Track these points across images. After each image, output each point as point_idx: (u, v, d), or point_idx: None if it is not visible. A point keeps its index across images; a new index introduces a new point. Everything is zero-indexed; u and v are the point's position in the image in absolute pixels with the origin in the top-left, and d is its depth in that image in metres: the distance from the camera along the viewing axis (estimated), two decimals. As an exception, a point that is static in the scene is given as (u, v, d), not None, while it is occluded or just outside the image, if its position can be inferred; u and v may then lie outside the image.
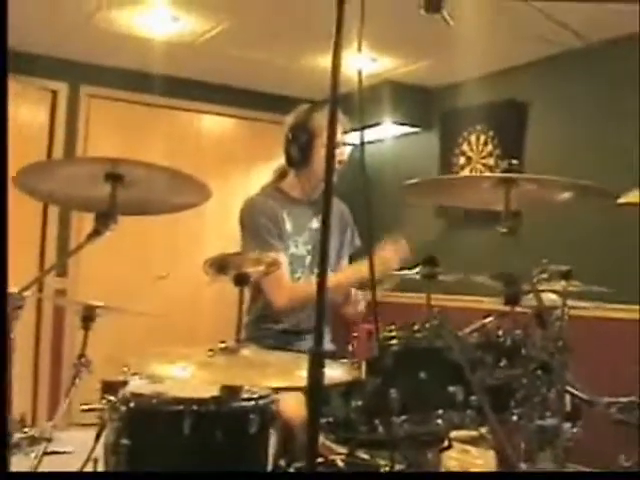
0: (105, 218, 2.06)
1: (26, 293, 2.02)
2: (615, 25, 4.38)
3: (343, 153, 3.18)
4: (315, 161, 3.15)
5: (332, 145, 1.60)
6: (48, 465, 2.73)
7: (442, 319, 2.21)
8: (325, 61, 5.24)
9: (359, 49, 1.70)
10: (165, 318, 5.47)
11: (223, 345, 2.11)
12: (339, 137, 3.12)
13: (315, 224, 3.24)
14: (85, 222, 4.61)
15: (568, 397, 2.50)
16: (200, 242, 5.82)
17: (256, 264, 2.14)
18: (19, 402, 2.99)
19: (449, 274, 2.33)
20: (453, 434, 3.22)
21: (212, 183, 6.50)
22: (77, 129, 5.74)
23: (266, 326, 3.15)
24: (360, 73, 1.69)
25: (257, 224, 3.11)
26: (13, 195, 2.14)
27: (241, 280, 2.10)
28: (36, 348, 5.56)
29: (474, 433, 2.95)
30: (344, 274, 3.19)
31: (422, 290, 2.36)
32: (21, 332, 5.28)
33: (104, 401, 2.05)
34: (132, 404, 2.00)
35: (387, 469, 2.32)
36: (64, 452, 2.84)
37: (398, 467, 2.49)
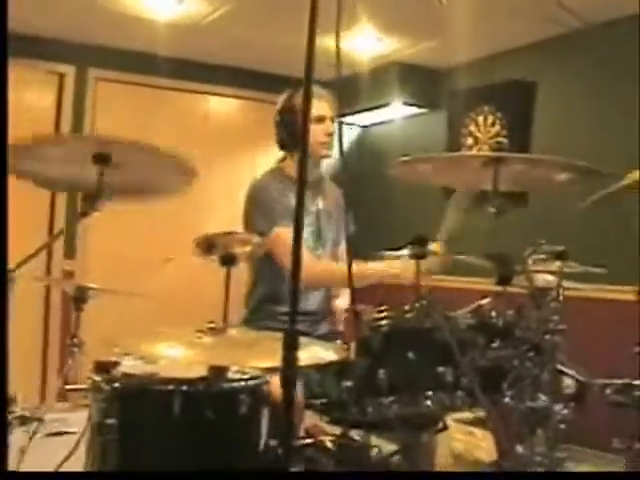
0: (92, 199, 2.05)
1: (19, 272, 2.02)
2: (615, 6, 4.35)
3: (329, 127, 3.17)
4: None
5: (306, 121, 1.55)
6: (55, 445, 2.77)
7: (431, 299, 2.19)
8: (332, 41, 5.21)
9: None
10: (168, 300, 5.51)
11: (211, 325, 2.12)
12: (324, 111, 3.13)
13: (315, 206, 3.24)
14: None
15: (570, 379, 2.49)
16: (208, 224, 5.82)
17: (243, 244, 2.13)
18: (25, 383, 3.01)
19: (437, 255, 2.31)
20: (456, 416, 3.23)
21: (219, 164, 6.53)
22: (84, 112, 5.73)
23: (272, 309, 3.14)
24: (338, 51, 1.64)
25: (268, 203, 3.12)
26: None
27: (228, 260, 2.09)
28: (45, 330, 5.58)
29: (478, 415, 2.94)
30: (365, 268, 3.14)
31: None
32: (29, 314, 5.33)
33: (89, 381, 2.04)
34: (117, 384, 2.00)
35: (377, 451, 2.33)
36: (70, 432, 2.86)
37: (391, 448, 2.51)
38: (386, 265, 3.12)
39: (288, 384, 1.47)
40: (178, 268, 5.45)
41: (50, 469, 2.51)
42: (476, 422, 3.47)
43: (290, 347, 1.47)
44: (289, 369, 1.47)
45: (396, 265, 2.98)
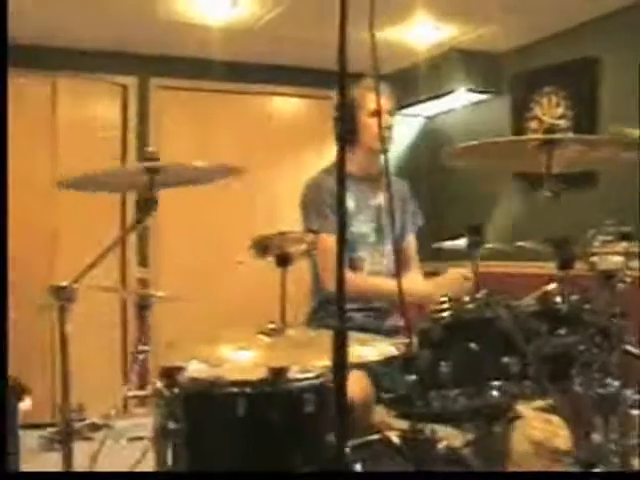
0: (145, 206, 2.09)
1: (76, 285, 2.07)
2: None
3: (387, 120, 3.14)
4: (364, 132, 3.12)
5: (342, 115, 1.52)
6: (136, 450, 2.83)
7: (491, 289, 2.15)
8: (388, 34, 5.19)
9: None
10: (235, 302, 5.57)
11: (271, 326, 2.12)
12: (382, 104, 3.10)
13: (377, 201, 3.22)
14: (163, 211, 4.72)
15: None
16: (276, 224, 5.83)
17: (297, 243, 2.13)
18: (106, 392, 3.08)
19: (495, 242, 2.27)
20: (535, 404, 3.18)
21: (285, 164, 6.56)
22: (149, 122, 5.83)
23: (333, 307, 3.12)
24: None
25: (319, 202, 3.10)
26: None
27: (283, 260, 2.09)
28: (123, 339, 5.67)
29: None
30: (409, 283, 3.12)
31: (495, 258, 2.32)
32: (107, 323, 5.44)
33: (150, 388, 2.07)
34: (177, 389, 2.02)
35: (445, 444, 2.30)
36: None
37: (461, 441, 2.48)
38: (421, 285, 3.11)
39: (338, 383, 1.46)
40: (246, 270, 5.49)
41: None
42: (554, 410, 3.41)
43: (339, 346, 1.46)
44: (339, 368, 1.46)
45: (429, 285, 2.99)
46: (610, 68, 4.96)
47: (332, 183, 3.15)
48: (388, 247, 3.21)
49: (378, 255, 3.18)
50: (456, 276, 2.97)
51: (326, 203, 3.05)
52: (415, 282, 3.21)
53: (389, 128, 3.15)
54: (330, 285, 3.03)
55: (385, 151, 3.17)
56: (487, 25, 5.24)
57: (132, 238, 5.72)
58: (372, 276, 3.15)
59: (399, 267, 2.95)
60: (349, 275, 2.96)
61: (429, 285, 3.09)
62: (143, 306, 2.55)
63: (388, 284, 2.92)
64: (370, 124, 3.12)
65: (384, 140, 3.15)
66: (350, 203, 3.14)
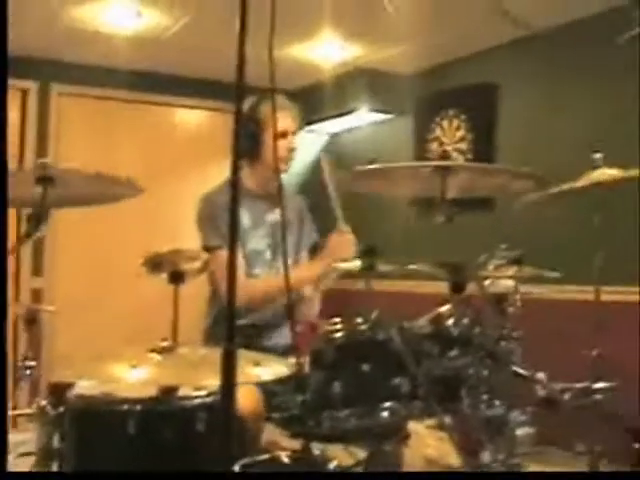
0: (37, 220, 2.04)
1: None
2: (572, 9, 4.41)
3: (292, 142, 3.14)
4: (265, 152, 3.11)
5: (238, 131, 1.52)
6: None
7: (383, 310, 2.17)
8: (294, 50, 5.21)
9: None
10: (130, 317, 5.48)
11: (163, 344, 2.09)
12: (287, 125, 3.10)
13: (272, 217, 3.21)
14: (60, 222, 4.61)
15: (539, 385, 2.48)
16: (177, 237, 5.77)
17: (191, 261, 2.11)
18: None
19: (389, 264, 2.30)
20: (428, 422, 3.22)
21: (186, 175, 6.47)
22: (49, 128, 5.70)
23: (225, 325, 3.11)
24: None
25: (213, 219, 3.06)
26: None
27: (176, 278, 2.07)
28: (13, 353, 5.49)
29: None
30: (299, 272, 3.15)
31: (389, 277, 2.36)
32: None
33: (34, 405, 2.02)
34: (62, 407, 1.97)
35: (336, 463, 2.31)
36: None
37: (351, 461, 2.49)
38: (307, 265, 3.12)
39: (226, 405, 1.45)
40: (141, 286, 5.43)
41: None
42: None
43: (227, 367, 1.45)
44: (226, 391, 1.45)
45: (316, 264, 3.01)
46: (508, 94, 5.10)
47: (226, 199, 3.14)
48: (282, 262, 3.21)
49: (274, 272, 3.17)
50: (336, 240, 3.01)
51: (221, 218, 3.03)
52: (301, 269, 3.19)
53: (292, 150, 3.15)
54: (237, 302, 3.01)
55: (284, 171, 3.19)
56: (392, 46, 5.32)
57: (26, 248, 5.57)
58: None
59: (288, 281, 2.96)
60: (242, 281, 2.97)
61: (316, 264, 3.09)
62: (31, 320, 2.48)
63: (279, 280, 2.97)
64: (273, 145, 3.11)
65: (286, 162, 3.15)
66: (245, 220, 3.13)
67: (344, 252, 2.91)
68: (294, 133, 3.15)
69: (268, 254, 3.17)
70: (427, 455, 3.86)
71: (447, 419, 2.33)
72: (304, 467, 2.21)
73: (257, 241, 3.15)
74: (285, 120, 3.11)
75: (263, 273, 3.14)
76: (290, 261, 3.24)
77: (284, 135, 3.12)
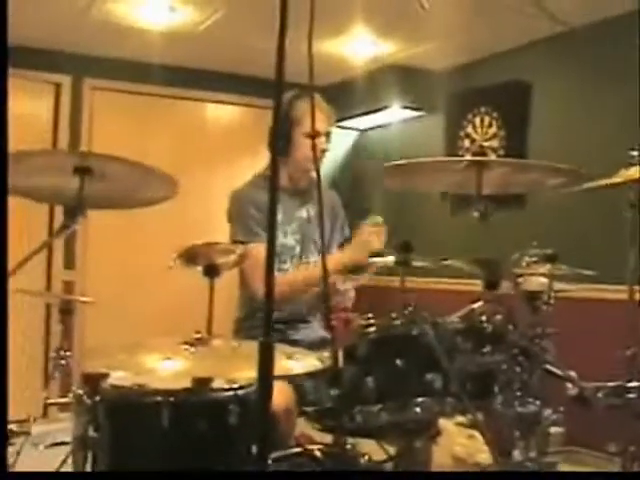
0: (73, 212, 2.05)
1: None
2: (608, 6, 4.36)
3: (322, 143, 3.12)
4: (297, 149, 3.11)
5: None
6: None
7: (417, 306, 2.17)
8: (327, 46, 5.21)
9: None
10: (162, 310, 5.50)
11: (197, 336, 2.11)
12: (319, 126, 3.09)
13: (304, 213, 3.22)
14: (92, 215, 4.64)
15: (571, 384, 2.47)
16: (208, 232, 5.79)
17: (226, 254, 2.12)
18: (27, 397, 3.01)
19: (423, 260, 2.29)
20: (458, 420, 3.21)
21: (219, 172, 6.52)
22: (81, 122, 5.75)
23: (260, 318, 3.12)
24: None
25: (244, 214, 3.07)
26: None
27: (211, 271, 2.08)
28: (46, 343, 5.56)
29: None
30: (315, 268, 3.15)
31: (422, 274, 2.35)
32: (31, 325, 5.32)
33: (71, 395, 2.03)
34: (98, 397, 1.98)
35: (366, 458, 2.31)
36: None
37: (383, 456, 2.50)
38: (334, 257, 3.11)
39: (263, 395, 1.46)
40: (174, 279, 5.46)
41: None
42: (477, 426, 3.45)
43: (264, 359, 1.46)
44: (264, 381, 1.46)
45: (347, 253, 3.00)
46: (541, 92, 5.07)
47: (257, 195, 3.16)
48: (313, 259, 3.21)
49: (303, 267, 3.19)
50: (366, 230, 2.99)
51: (250, 215, 3.04)
52: (331, 259, 3.18)
53: (323, 151, 3.14)
54: (260, 295, 3.01)
55: (317, 170, 3.17)
56: (425, 43, 5.31)
57: (59, 240, 5.62)
58: None
59: (326, 277, 2.96)
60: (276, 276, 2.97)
61: (344, 253, 3.07)
62: (66, 311, 2.50)
63: (310, 269, 3.06)
64: (304, 144, 3.11)
65: (316, 162, 3.14)
66: (277, 214, 3.12)
67: (374, 242, 2.90)
68: (326, 134, 3.14)
69: (297, 249, 3.18)
70: (456, 453, 3.86)
71: (479, 416, 2.33)
72: (335, 461, 2.21)
73: (287, 236, 3.16)
74: (318, 120, 3.10)
75: (292, 268, 3.15)
76: (317, 258, 3.25)
77: (316, 135, 3.11)
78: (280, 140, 3.09)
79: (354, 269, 2.95)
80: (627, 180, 2.68)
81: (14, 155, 2.02)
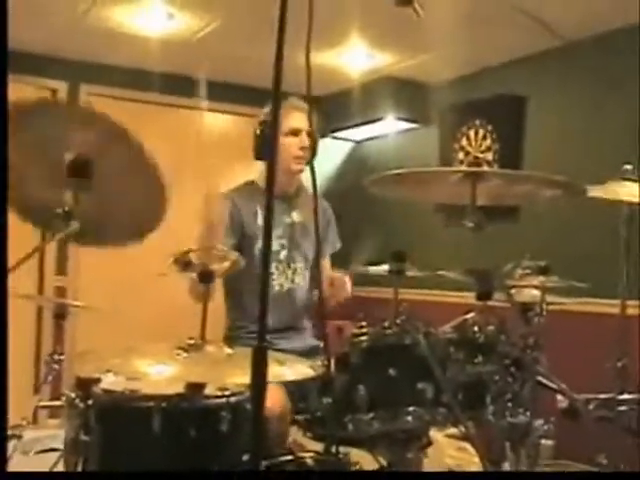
0: (65, 218, 2.05)
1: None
2: (604, 20, 4.38)
3: (304, 140, 3.14)
4: (279, 150, 3.11)
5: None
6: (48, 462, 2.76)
7: (410, 315, 2.18)
8: (322, 57, 5.23)
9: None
10: (155, 316, 5.49)
11: (190, 341, 2.11)
12: (299, 124, 3.10)
13: (290, 219, 3.23)
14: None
15: (561, 396, 2.48)
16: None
17: (221, 260, 2.12)
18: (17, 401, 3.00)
19: (417, 270, 2.30)
20: (449, 431, 3.21)
21: (215, 179, 6.45)
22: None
23: (243, 324, 3.13)
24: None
25: (217, 220, 3.11)
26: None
27: (205, 277, 2.09)
28: (37, 347, 5.54)
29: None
30: None
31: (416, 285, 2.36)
32: (22, 329, 5.30)
33: (63, 398, 2.03)
34: (90, 401, 1.99)
35: (357, 467, 2.31)
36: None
37: (373, 466, 2.50)
38: None
39: (256, 401, 1.46)
40: (167, 285, 5.45)
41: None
42: (467, 438, 3.45)
43: (258, 364, 1.46)
44: (258, 387, 1.46)
45: None
46: (536, 106, 5.09)
47: (233, 201, 3.17)
48: (299, 265, 3.22)
49: (289, 272, 3.19)
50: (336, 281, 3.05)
51: (231, 219, 3.10)
52: None
53: (304, 148, 3.14)
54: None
55: (299, 171, 3.18)
56: (421, 55, 5.33)
57: (51, 246, 5.61)
58: (279, 293, 3.18)
59: (320, 284, 2.97)
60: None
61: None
62: (59, 315, 2.50)
63: None
64: (286, 143, 3.13)
65: (299, 161, 3.14)
66: (260, 219, 3.13)
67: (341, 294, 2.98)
68: (308, 133, 3.13)
69: (282, 254, 3.18)
70: (446, 464, 3.86)
71: (470, 426, 2.33)
72: (327, 469, 2.21)
73: (272, 241, 3.14)
74: (298, 118, 3.12)
75: (276, 273, 3.16)
76: (309, 265, 3.25)
77: (296, 133, 3.13)
78: (262, 144, 3.13)
79: None
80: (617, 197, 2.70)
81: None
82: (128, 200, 2.21)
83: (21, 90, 5.46)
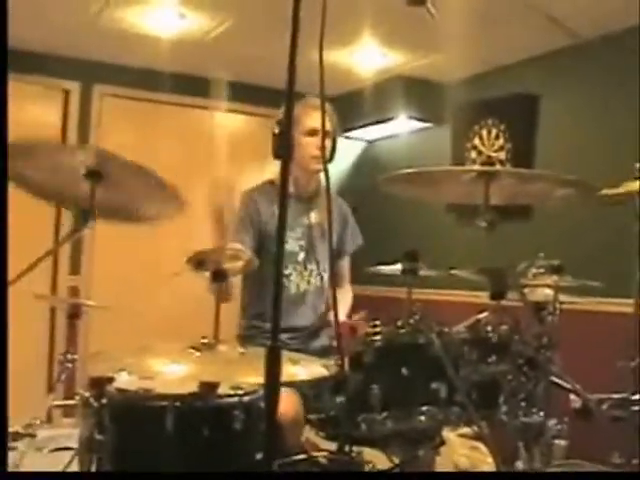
0: (83, 217, 2.06)
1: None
2: (618, 19, 4.36)
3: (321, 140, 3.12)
4: (297, 150, 3.12)
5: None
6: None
7: (423, 315, 2.18)
8: (335, 56, 5.23)
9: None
10: (168, 315, 5.50)
11: (204, 341, 2.12)
12: (317, 123, 3.09)
13: (309, 219, 3.22)
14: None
15: (575, 396, 2.48)
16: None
17: (234, 259, 2.13)
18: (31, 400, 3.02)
19: (430, 270, 2.30)
20: (461, 431, 3.21)
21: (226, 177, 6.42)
22: (90, 128, 5.76)
23: (259, 324, 3.14)
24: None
25: (243, 218, 3.12)
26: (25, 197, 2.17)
27: (218, 276, 2.09)
28: (51, 345, 5.56)
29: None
30: None
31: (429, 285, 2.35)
32: (35, 329, 5.32)
33: (77, 397, 2.04)
34: (104, 400, 1.99)
35: (370, 467, 2.32)
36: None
37: (386, 465, 2.50)
38: None
39: (269, 401, 1.46)
40: (181, 284, 5.47)
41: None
42: (480, 437, 3.45)
43: (271, 364, 1.46)
44: (271, 386, 1.46)
45: None
46: (549, 105, 5.07)
47: (253, 199, 3.18)
48: (317, 267, 3.21)
49: (306, 273, 3.19)
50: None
51: (240, 220, 3.10)
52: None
53: (323, 148, 3.14)
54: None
55: (318, 171, 3.18)
56: (433, 55, 5.32)
57: (65, 246, 5.63)
58: (296, 295, 3.18)
59: (334, 286, 2.98)
60: None
61: None
62: (73, 314, 2.51)
63: None
64: (304, 142, 3.13)
65: (318, 161, 3.14)
66: (272, 222, 3.13)
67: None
68: (326, 133, 3.12)
69: (301, 256, 3.19)
70: (459, 464, 3.86)
71: (483, 426, 2.33)
72: (339, 469, 2.22)
73: (290, 242, 3.15)
74: (316, 119, 3.11)
75: (294, 273, 3.16)
76: (326, 266, 3.25)
77: (314, 133, 3.13)
78: (281, 143, 3.12)
79: None
80: (630, 193, 2.68)
81: (26, 147, 2.03)
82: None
83: (34, 91, 5.51)
